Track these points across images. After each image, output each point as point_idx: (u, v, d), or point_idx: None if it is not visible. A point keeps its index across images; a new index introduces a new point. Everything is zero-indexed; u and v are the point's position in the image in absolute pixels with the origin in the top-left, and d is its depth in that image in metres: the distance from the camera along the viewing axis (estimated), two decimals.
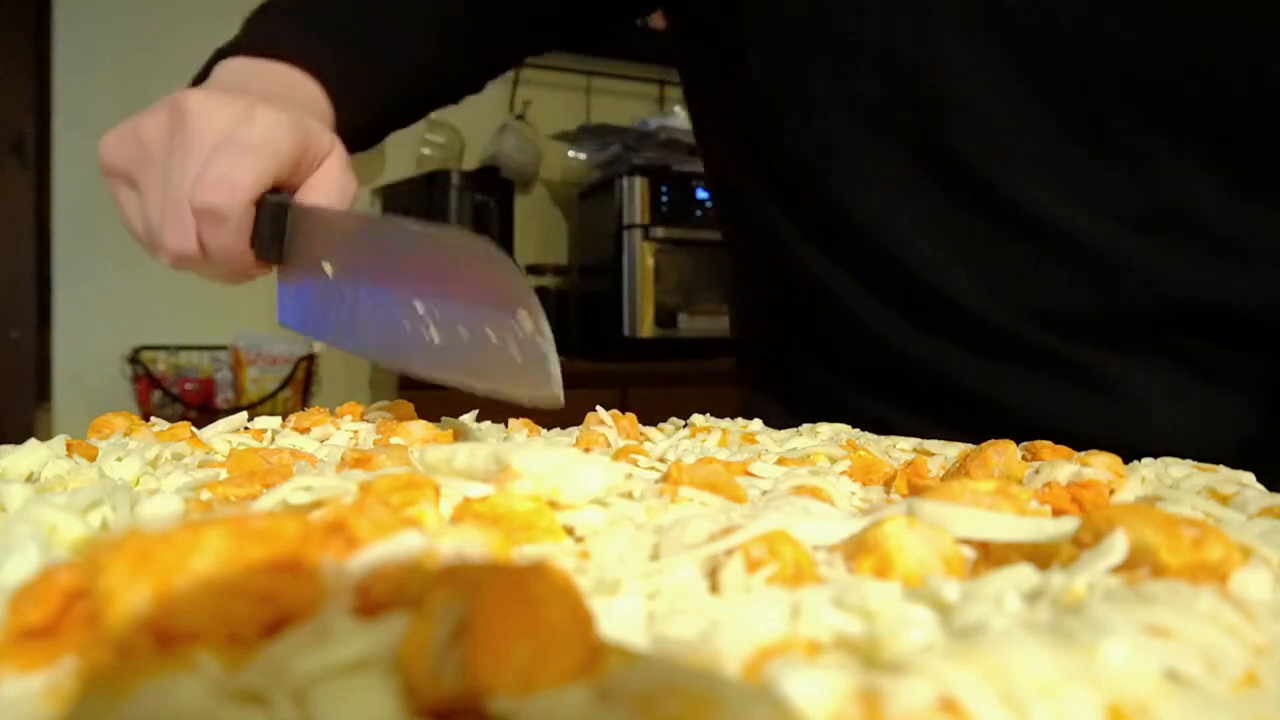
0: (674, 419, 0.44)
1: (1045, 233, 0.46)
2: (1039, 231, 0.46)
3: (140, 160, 0.44)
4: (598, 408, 0.39)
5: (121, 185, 0.46)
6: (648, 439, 0.37)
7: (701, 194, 1.90)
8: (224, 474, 0.25)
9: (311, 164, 0.45)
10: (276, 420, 0.36)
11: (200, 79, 0.51)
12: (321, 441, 0.34)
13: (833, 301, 0.53)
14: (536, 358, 0.31)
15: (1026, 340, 0.48)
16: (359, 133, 0.55)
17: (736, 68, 0.53)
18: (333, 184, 0.45)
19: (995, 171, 0.46)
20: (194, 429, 0.34)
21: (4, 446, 0.28)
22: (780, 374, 0.61)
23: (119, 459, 0.27)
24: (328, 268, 0.39)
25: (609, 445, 0.34)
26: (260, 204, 0.41)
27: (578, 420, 0.39)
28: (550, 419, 0.41)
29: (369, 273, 0.37)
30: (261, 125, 0.42)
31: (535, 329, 0.30)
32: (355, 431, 0.35)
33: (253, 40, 0.51)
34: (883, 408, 0.52)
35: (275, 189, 0.42)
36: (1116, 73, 0.44)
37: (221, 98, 0.43)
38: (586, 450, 0.32)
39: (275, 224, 0.42)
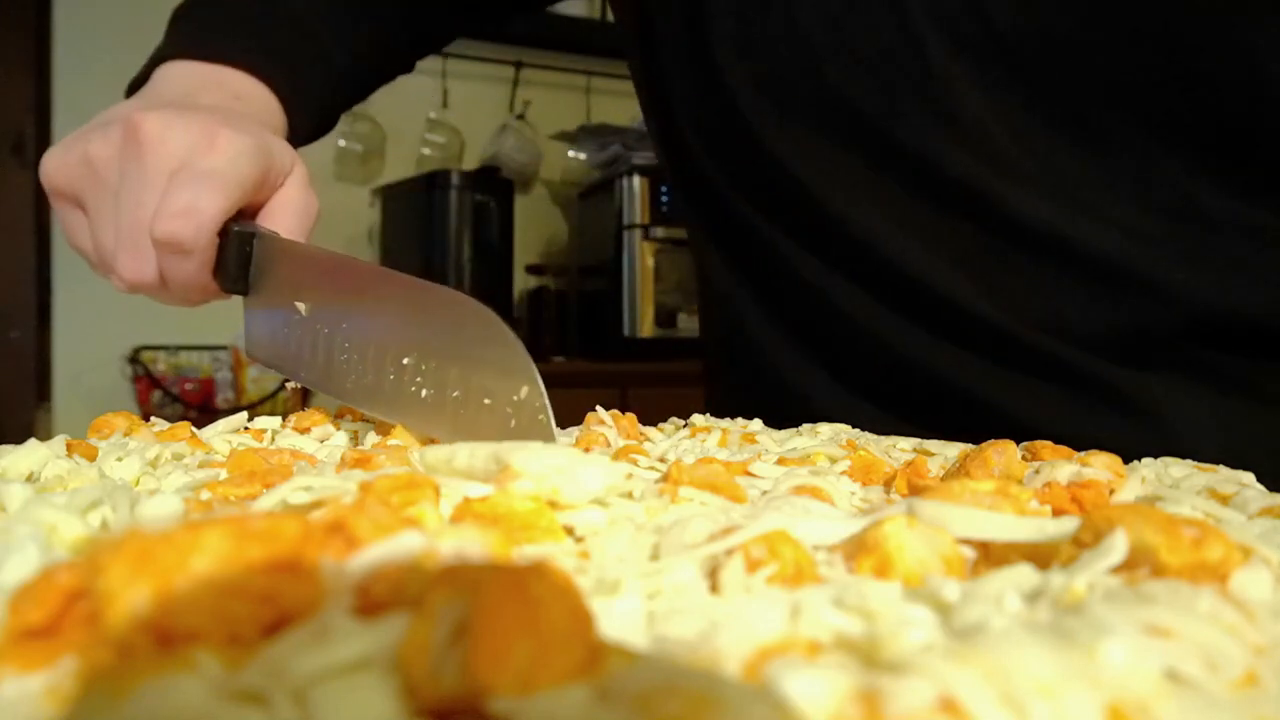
0: (674, 419, 0.44)
1: (1045, 243, 0.46)
2: (1039, 241, 0.46)
3: (90, 183, 0.42)
4: (598, 408, 0.39)
5: (66, 206, 0.44)
6: (648, 439, 0.37)
7: None
8: (224, 474, 0.25)
9: (274, 184, 0.44)
10: (276, 420, 0.36)
11: (139, 82, 0.49)
12: (321, 441, 0.34)
13: (831, 308, 0.53)
14: (537, 430, 0.29)
15: (1031, 349, 0.47)
16: (307, 128, 0.53)
17: (706, 73, 0.52)
18: (295, 204, 0.44)
19: (989, 182, 0.46)
20: (194, 429, 0.34)
21: (4, 446, 0.28)
22: (757, 376, 0.60)
23: (119, 459, 0.27)
24: (301, 306, 0.37)
25: (609, 445, 0.34)
26: (224, 233, 0.40)
27: (577, 420, 0.39)
28: (559, 420, 0.41)
29: (347, 317, 0.35)
30: (224, 151, 0.40)
31: (539, 404, 0.29)
32: (355, 432, 0.35)
33: (194, 44, 0.49)
34: (877, 412, 0.51)
35: (238, 214, 0.41)
36: (1110, 79, 0.43)
37: (179, 120, 0.41)
38: (586, 450, 0.32)
39: (241, 253, 0.40)
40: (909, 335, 0.50)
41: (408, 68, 0.63)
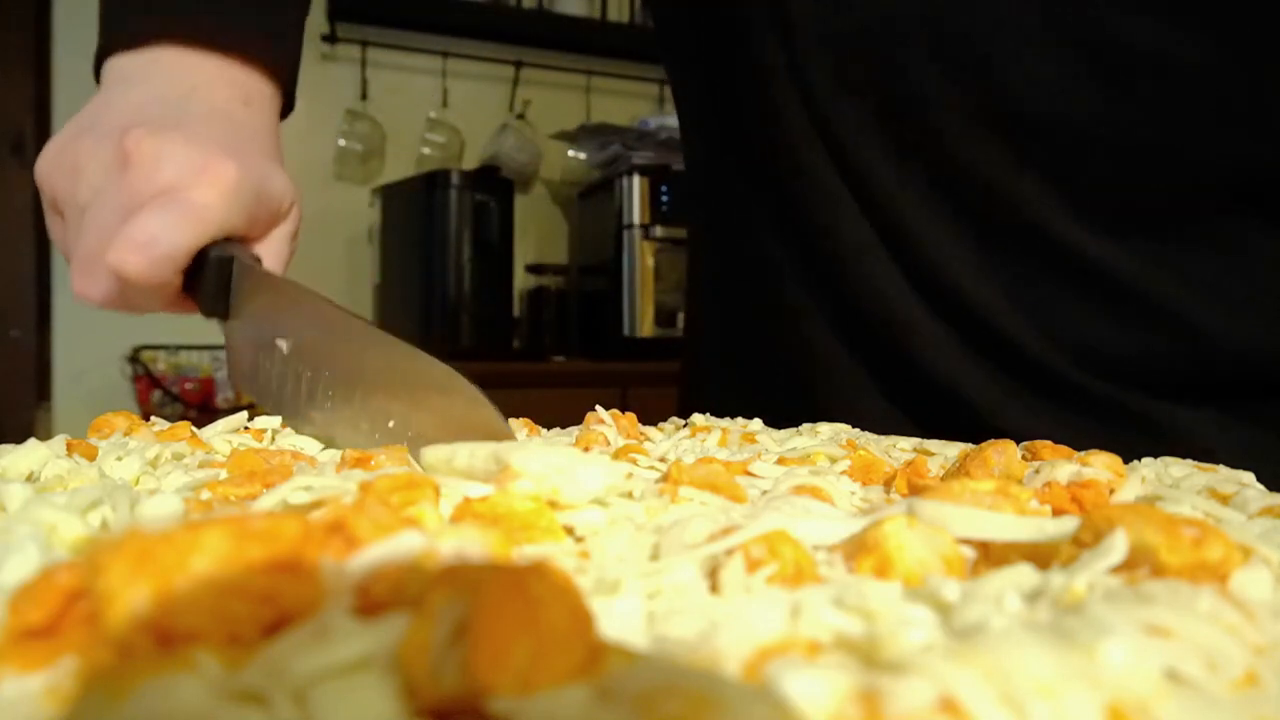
0: (674, 418, 0.44)
1: (1082, 265, 0.44)
2: (1072, 263, 0.44)
3: (69, 192, 0.40)
4: (597, 407, 0.39)
5: (51, 207, 0.42)
6: (647, 438, 0.37)
7: None
8: (224, 474, 0.25)
9: (263, 229, 0.42)
10: (277, 420, 0.36)
11: (107, 49, 0.45)
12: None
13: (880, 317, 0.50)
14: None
15: (1066, 377, 0.46)
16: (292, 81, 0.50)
17: (782, 71, 0.50)
18: (271, 257, 0.42)
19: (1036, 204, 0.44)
20: (194, 429, 0.34)
21: (4, 446, 0.28)
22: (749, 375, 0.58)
23: (119, 458, 0.27)
24: (283, 345, 0.36)
25: (609, 445, 0.34)
26: (204, 255, 0.38)
27: (577, 420, 0.39)
28: (550, 417, 0.41)
29: (330, 366, 0.34)
30: (213, 185, 0.38)
31: None
32: None
33: (194, 27, 0.44)
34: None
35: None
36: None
37: (177, 145, 0.38)
38: (586, 450, 0.32)
39: (220, 278, 0.38)
40: (954, 355, 0.48)
41: None
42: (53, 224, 0.43)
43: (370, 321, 0.34)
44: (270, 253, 0.43)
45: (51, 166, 0.41)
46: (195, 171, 0.38)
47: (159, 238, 0.36)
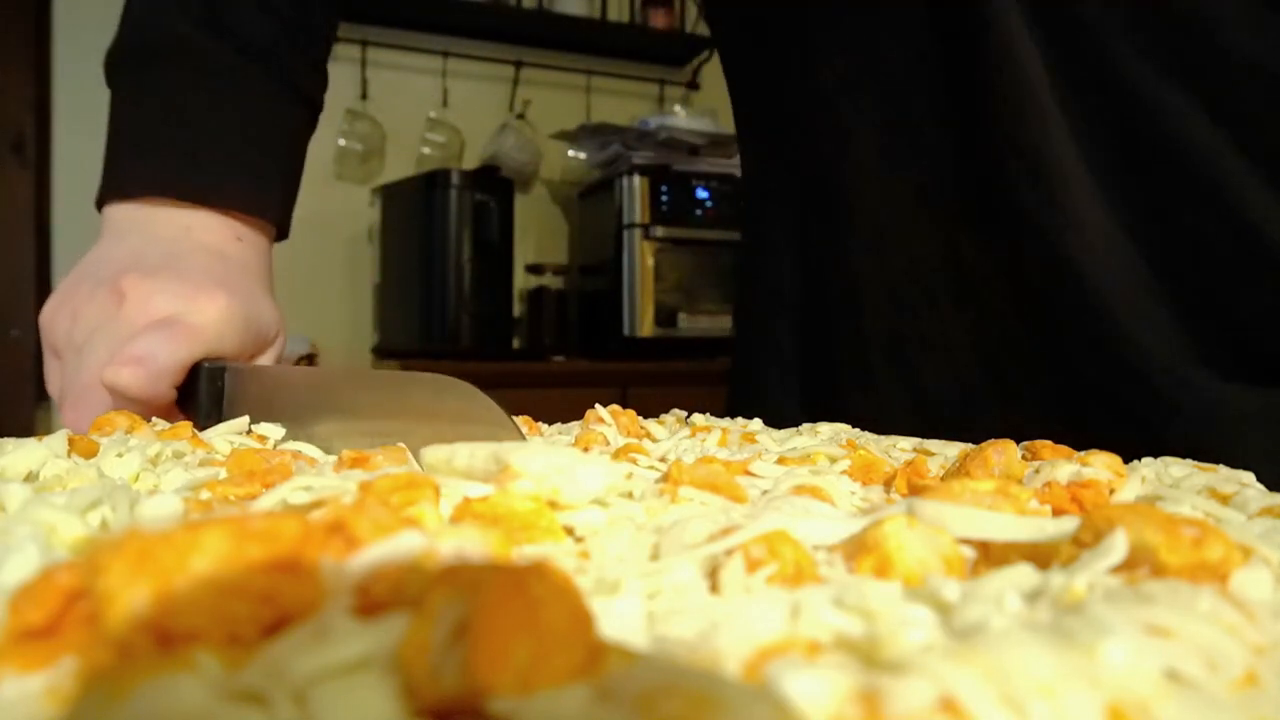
0: (675, 410, 0.44)
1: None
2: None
3: (68, 334, 0.42)
4: (596, 405, 0.39)
5: (49, 353, 0.45)
6: (648, 434, 0.37)
7: (701, 193, 1.90)
8: (224, 473, 0.25)
9: (250, 357, 0.44)
10: (281, 430, 0.35)
11: (106, 197, 0.48)
12: None
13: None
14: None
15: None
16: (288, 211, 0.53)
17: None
18: None
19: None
20: (195, 429, 0.34)
21: (4, 440, 0.28)
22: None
23: (119, 455, 0.27)
24: (269, 430, 0.36)
25: (608, 444, 0.34)
26: (196, 370, 0.39)
27: (577, 419, 0.39)
28: (550, 417, 0.41)
29: (325, 417, 0.34)
30: (205, 311, 0.40)
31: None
32: None
33: (182, 182, 0.47)
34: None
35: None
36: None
37: (169, 285, 0.41)
38: (586, 449, 0.32)
39: (213, 389, 0.39)
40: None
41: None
42: (50, 370, 0.45)
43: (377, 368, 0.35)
44: None
45: (52, 313, 0.44)
46: (187, 300, 0.40)
47: (155, 353, 0.38)
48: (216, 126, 0.49)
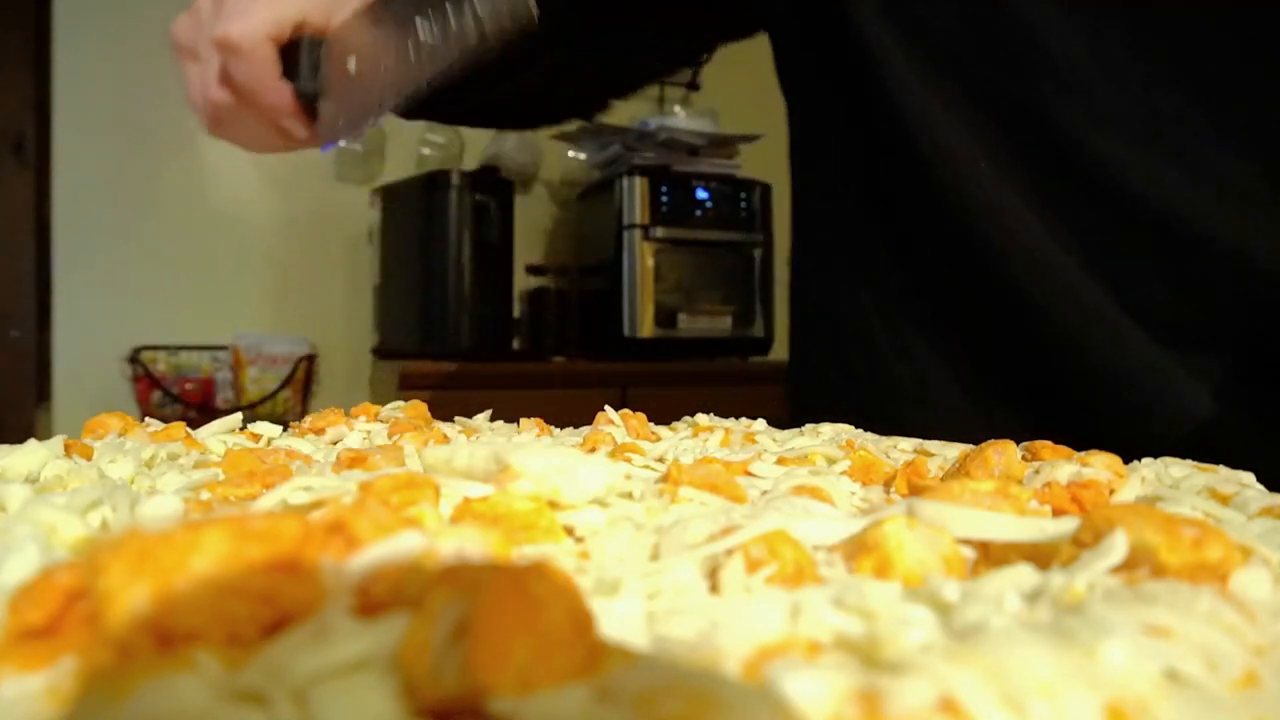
0: (687, 418, 0.44)
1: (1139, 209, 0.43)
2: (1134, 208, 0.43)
3: (194, 29, 0.49)
4: (606, 407, 0.39)
5: (186, 60, 0.51)
6: (659, 439, 0.37)
7: (701, 194, 1.90)
8: (220, 474, 0.25)
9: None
10: (276, 429, 0.35)
11: None
12: (334, 443, 0.34)
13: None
14: None
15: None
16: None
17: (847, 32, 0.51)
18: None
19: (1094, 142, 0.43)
20: (189, 429, 0.34)
21: (4, 446, 0.28)
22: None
23: (112, 460, 0.27)
24: (352, 64, 0.43)
25: (615, 445, 0.34)
26: (295, 41, 0.45)
27: (584, 421, 0.39)
28: (551, 417, 0.41)
29: (382, 39, 0.42)
30: None
31: None
32: (368, 432, 0.35)
33: None
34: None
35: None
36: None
37: None
38: (592, 451, 0.32)
39: (311, 57, 0.45)
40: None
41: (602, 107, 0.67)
42: (188, 72, 0.51)
43: None
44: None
45: (179, 23, 0.50)
46: None
47: (249, 8, 0.44)
48: None
